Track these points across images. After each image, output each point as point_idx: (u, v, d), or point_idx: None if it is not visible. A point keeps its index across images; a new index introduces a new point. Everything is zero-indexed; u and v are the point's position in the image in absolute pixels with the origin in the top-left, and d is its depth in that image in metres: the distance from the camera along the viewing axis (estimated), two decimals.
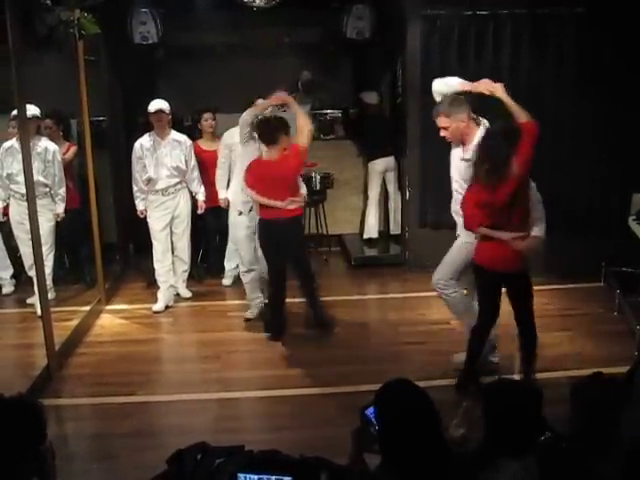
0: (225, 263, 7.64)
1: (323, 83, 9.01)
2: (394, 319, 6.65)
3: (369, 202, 8.93)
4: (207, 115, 7.51)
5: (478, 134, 4.92)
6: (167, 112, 6.81)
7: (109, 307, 7.13)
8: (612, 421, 2.78)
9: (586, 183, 7.59)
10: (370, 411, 2.84)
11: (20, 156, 5.45)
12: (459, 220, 5.07)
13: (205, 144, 7.51)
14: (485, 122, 5.10)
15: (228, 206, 6.76)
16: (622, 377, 3.09)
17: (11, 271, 7.21)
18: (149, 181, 6.88)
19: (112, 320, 6.85)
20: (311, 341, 6.20)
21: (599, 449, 2.67)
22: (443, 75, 7.43)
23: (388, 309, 7.00)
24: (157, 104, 6.81)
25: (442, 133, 5.06)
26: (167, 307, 7.05)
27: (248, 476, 2.25)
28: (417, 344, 5.71)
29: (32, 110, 6.47)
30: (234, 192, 6.49)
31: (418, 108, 7.56)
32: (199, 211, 7.14)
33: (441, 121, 5.04)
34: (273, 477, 2.24)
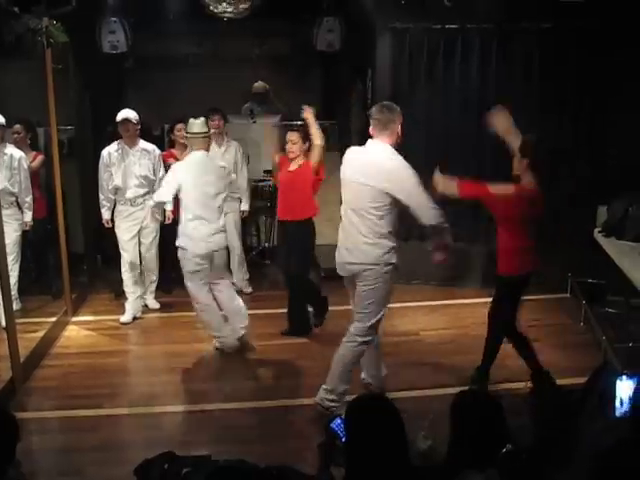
0: None
1: (278, 94, 9.07)
2: None
3: None
4: (180, 126, 7.47)
5: None
6: (134, 121, 6.77)
7: (76, 318, 7.05)
8: (569, 431, 2.82)
9: (552, 196, 7.65)
10: (336, 424, 2.85)
11: None
12: None
13: (180, 155, 7.49)
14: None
15: None
16: (579, 388, 3.14)
17: None
18: (117, 190, 6.84)
19: (79, 332, 6.77)
20: (280, 353, 6.19)
21: (557, 459, 2.71)
22: (412, 87, 7.55)
23: None
24: (124, 113, 6.78)
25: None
26: (135, 318, 7.00)
27: None
28: (386, 355, 5.71)
29: None
30: None
31: None
32: (167, 221, 7.11)
33: None
34: None
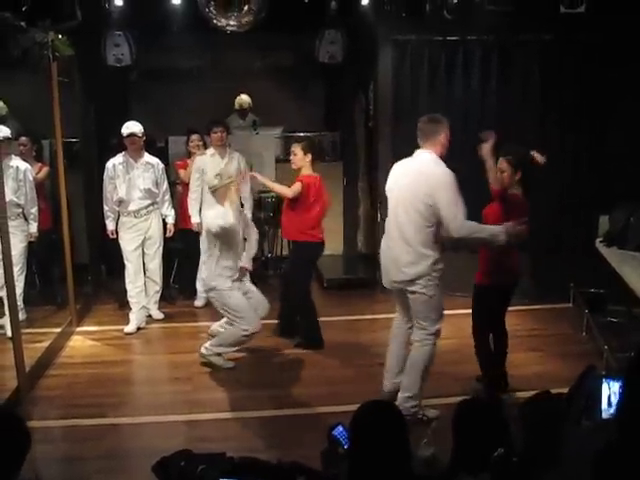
0: (197, 284, 7.65)
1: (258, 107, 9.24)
2: (366, 340, 6.68)
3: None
4: (194, 137, 7.56)
5: None
6: (140, 135, 6.83)
7: (80, 328, 7.08)
8: (557, 434, 2.85)
9: (554, 205, 7.72)
10: (338, 431, 2.88)
11: None
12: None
13: None
14: None
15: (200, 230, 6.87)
16: (567, 393, 3.18)
17: None
18: (121, 202, 6.89)
19: (83, 342, 6.81)
20: (283, 363, 6.22)
21: (545, 462, 2.74)
22: (414, 99, 7.60)
23: (360, 330, 7.03)
24: (130, 127, 6.81)
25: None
26: (139, 328, 7.03)
27: None
28: None
29: (3, 131, 6.48)
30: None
31: (390, 131, 7.67)
32: (168, 234, 7.15)
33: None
34: None
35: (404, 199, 4.80)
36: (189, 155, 7.69)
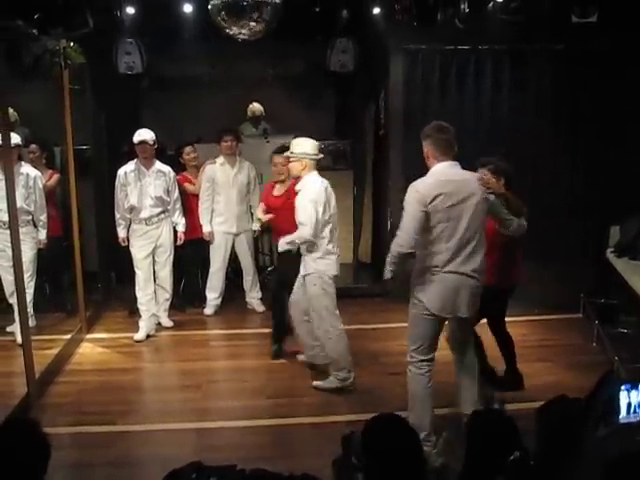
0: (207, 292, 7.65)
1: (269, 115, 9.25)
2: (375, 349, 6.66)
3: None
4: (188, 149, 7.60)
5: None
6: (151, 143, 6.82)
7: (90, 336, 7.10)
8: (575, 439, 2.84)
9: (565, 214, 7.70)
10: (352, 440, 2.86)
11: (2, 184, 5.44)
12: None
13: (195, 178, 7.59)
14: None
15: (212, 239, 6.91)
16: (584, 397, 3.16)
17: None
18: (132, 209, 6.90)
19: (93, 349, 6.82)
20: (292, 371, 6.20)
21: (563, 466, 2.73)
22: (425, 108, 7.60)
23: (369, 339, 7.01)
24: (141, 135, 6.80)
25: None
26: (148, 336, 7.03)
27: None
28: (398, 375, 5.71)
29: (14, 138, 6.50)
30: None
31: (401, 140, 7.67)
32: (178, 242, 7.14)
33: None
34: None
35: (474, 213, 4.50)
36: (184, 168, 7.66)
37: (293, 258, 5.81)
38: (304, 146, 5.67)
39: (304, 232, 5.51)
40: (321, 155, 5.81)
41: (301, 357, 6.27)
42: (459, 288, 4.51)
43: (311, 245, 5.56)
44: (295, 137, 5.89)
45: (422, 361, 4.68)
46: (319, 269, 5.57)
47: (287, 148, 5.81)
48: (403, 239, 4.48)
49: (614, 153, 7.50)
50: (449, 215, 4.44)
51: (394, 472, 2.52)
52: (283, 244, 5.72)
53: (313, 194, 5.56)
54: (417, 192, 4.47)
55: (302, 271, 5.69)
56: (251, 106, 9.37)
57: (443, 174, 4.54)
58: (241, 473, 2.45)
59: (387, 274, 4.60)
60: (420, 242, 4.50)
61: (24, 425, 2.65)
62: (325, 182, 5.69)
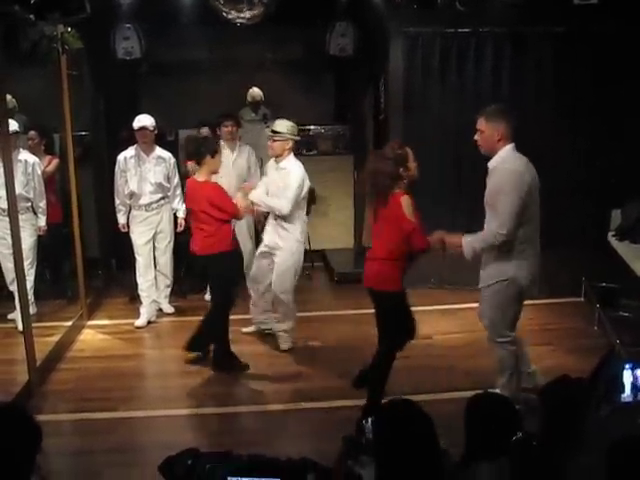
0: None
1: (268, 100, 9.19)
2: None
3: None
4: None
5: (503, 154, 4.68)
6: (151, 129, 6.79)
7: (91, 322, 7.10)
8: (578, 418, 2.84)
9: (566, 199, 7.67)
10: (368, 423, 2.85)
11: (0, 171, 5.42)
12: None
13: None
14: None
15: None
16: (587, 377, 3.16)
17: None
18: (132, 196, 6.88)
19: (94, 335, 6.82)
20: (294, 356, 6.21)
21: (566, 446, 2.73)
22: (425, 91, 7.56)
23: (372, 325, 6.99)
24: (141, 121, 6.77)
25: (475, 136, 4.78)
26: (149, 322, 7.04)
27: (239, 479, 2.30)
28: (400, 359, 5.72)
29: (12, 126, 6.46)
30: None
31: (401, 124, 7.63)
32: (179, 229, 7.12)
33: (479, 123, 4.74)
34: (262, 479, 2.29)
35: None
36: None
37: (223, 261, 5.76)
38: (289, 127, 6.02)
39: (284, 207, 5.97)
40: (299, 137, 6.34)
41: (246, 329, 6.60)
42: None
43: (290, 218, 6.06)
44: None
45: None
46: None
47: None
48: (506, 225, 4.51)
49: (615, 136, 7.46)
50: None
51: (409, 460, 2.51)
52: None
53: (301, 178, 6.03)
54: (519, 174, 4.54)
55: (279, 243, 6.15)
56: (251, 91, 9.32)
57: (520, 156, 4.66)
58: (238, 458, 2.44)
59: (469, 254, 4.66)
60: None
61: (10, 411, 2.63)
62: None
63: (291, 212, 6.02)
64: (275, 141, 6.05)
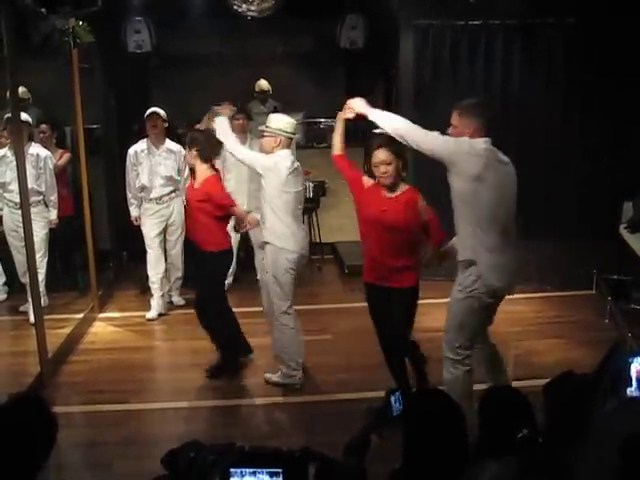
0: None
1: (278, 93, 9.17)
2: None
3: None
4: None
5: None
6: (162, 117, 6.83)
7: (102, 315, 7.13)
8: (583, 414, 2.83)
9: (577, 192, 7.64)
10: (395, 396, 2.85)
11: (13, 164, 5.45)
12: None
13: None
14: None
15: None
16: (592, 373, 3.15)
17: (3, 279, 7.19)
18: (143, 189, 6.90)
19: (105, 328, 6.85)
20: (305, 348, 6.21)
21: (572, 442, 2.72)
22: (435, 83, 7.53)
23: None
24: (152, 109, 6.84)
25: (449, 130, 4.56)
26: (160, 315, 7.06)
27: (241, 470, 2.30)
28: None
29: (23, 117, 6.49)
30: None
31: (411, 116, 7.57)
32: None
33: (452, 117, 4.54)
34: (265, 470, 2.29)
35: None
36: None
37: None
38: (281, 122, 5.35)
39: (236, 151, 5.43)
40: (297, 135, 5.64)
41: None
42: None
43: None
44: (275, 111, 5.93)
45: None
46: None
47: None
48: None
49: (627, 128, 7.42)
50: None
51: (437, 445, 2.50)
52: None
53: (268, 162, 5.28)
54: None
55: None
56: (258, 82, 9.31)
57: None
58: (240, 450, 2.44)
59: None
60: None
61: (29, 400, 2.65)
62: (296, 163, 5.36)
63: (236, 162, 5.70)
64: (263, 136, 5.40)
